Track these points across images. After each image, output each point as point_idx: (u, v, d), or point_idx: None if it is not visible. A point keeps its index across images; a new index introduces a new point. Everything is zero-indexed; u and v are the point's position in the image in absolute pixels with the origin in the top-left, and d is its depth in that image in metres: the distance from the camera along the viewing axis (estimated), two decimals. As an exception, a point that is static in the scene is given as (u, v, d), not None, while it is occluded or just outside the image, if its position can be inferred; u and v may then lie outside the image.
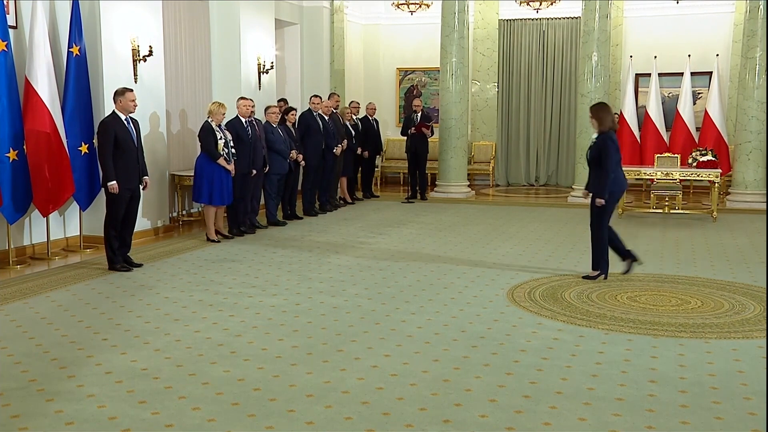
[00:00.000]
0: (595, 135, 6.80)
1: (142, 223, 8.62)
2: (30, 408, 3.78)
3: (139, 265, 7.27)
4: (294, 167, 10.36)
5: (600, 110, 6.71)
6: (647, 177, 11.23)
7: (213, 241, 8.76)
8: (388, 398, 3.94)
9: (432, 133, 12.88)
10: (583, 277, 6.87)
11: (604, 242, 6.83)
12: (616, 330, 5.21)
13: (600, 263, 6.84)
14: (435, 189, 13.53)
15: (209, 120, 8.61)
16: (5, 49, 6.97)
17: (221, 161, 8.56)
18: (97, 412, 3.74)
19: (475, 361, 4.54)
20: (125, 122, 7.08)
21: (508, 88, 15.69)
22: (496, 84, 15.73)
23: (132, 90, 7.17)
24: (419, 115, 12.79)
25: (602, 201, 6.65)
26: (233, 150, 8.74)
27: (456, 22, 12.88)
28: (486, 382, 4.18)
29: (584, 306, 5.87)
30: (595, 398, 3.96)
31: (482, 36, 15.66)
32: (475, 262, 7.60)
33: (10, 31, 7.19)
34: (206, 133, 8.57)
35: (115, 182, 6.94)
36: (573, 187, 12.98)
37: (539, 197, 14.05)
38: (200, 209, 10.80)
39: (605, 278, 6.83)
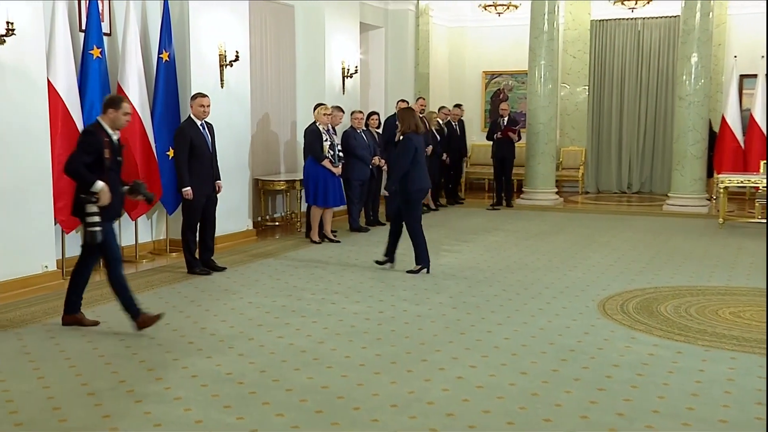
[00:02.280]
0: (400, 136, 7.52)
1: (225, 227, 8.84)
2: (120, 408, 3.94)
3: (222, 269, 7.47)
4: (376, 173, 10.44)
5: (404, 113, 7.56)
6: (752, 185, 10.76)
7: (315, 242, 9.08)
8: (474, 411, 3.91)
9: (519, 138, 12.73)
10: (408, 272, 7.37)
11: (421, 237, 7.38)
12: (717, 347, 5.01)
13: (421, 257, 7.39)
14: (521, 196, 13.37)
15: (316, 123, 9.00)
16: (100, 56, 7.31)
17: (326, 163, 8.91)
18: (184, 415, 3.87)
19: (564, 375, 4.45)
20: (200, 127, 7.29)
21: (600, 91, 15.36)
22: (586, 87, 15.43)
23: (204, 95, 7.34)
24: (506, 119, 12.66)
25: (386, 193, 7.64)
26: (340, 153, 9.08)
27: (546, 24, 12.70)
28: (576, 398, 4.09)
29: (682, 321, 5.67)
30: (696, 419, 3.81)
31: (573, 37, 15.39)
32: (564, 272, 7.46)
33: (104, 38, 7.53)
34: (312, 136, 8.99)
35: (189, 188, 7.16)
36: (669, 195, 12.57)
37: (632, 205, 13.67)
38: (283, 214, 11.06)
39: (427, 271, 7.37)
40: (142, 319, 5.28)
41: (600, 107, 15.39)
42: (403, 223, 7.50)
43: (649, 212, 12.40)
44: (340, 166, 9.13)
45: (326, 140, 8.99)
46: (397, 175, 7.38)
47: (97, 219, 5.15)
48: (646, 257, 8.28)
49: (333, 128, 9.40)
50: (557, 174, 13.98)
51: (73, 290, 5.49)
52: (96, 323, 5.48)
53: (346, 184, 9.78)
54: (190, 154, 7.17)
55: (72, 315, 5.48)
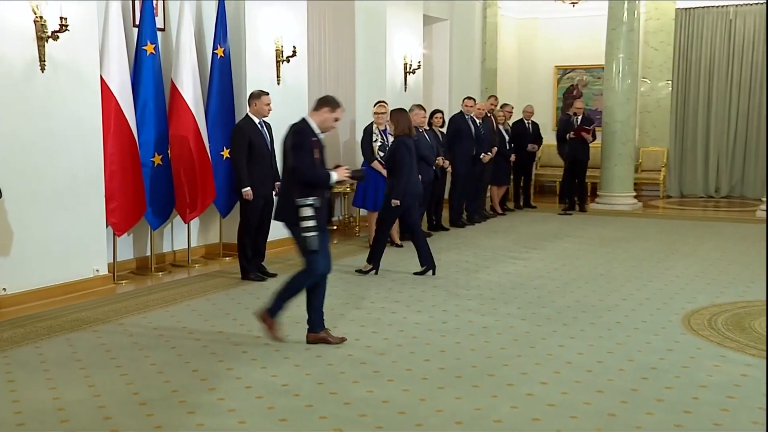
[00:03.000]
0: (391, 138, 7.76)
1: (279, 231, 8.91)
2: (172, 419, 4.02)
3: (274, 275, 7.57)
4: (440, 174, 10.42)
5: (397, 115, 7.73)
6: None
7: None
8: (546, 431, 3.86)
9: (593, 138, 12.55)
10: (357, 271, 7.70)
11: (383, 243, 7.77)
12: (818, 368, 4.82)
13: (374, 259, 7.72)
14: (596, 200, 13.19)
15: (372, 122, 9.19)
16: (153, 51, 7.49)
17: (375, 165, 9.04)
18: (238, 427, 3.92)
19: (645, 395, 4.36)
20: (259, 125, 7.40)
21: (685, 86, 15.00)
22: (669, 82, 15.10)
23: (268, 93, 7.49)
24: (579, 117, 12.51)
25: (397, 202, 7.57)
26: None
27: (625, 13, 12.49)
28: (659, 420, 4.00)
29: (778, 338, 5.48)
30: (794, 447, 3.68)
31: (655, 28, 15.08)
32: (644, 283, 7.31)
33: (158, 33, 7.71)
34: (364, 135, 9.23)
35: (249, 188, 7.27)
36: (763, 199, 12.18)
37: (720, 211, 13.32)
38: (340, 217, 11.15)
39: (376, 273, 7.67)
40: (273, 324, 5.30)
41: (685, 104, 15.02)
42: (413, 226, 7.82)
43: (739, 219, 12.04)
44: None
45: (376, 140, 9.12)
46: (403, 180, 7.56)
47: (312, 223, 5.08)
48: (737, 268, 8.04)
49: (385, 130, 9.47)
50: (636, 176, 13.72)
51: (312, 305, 5.37)
52: (342, 340, 5.36)
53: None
54: (248, 153, 7.28)
55: (315, 333, 5.34)
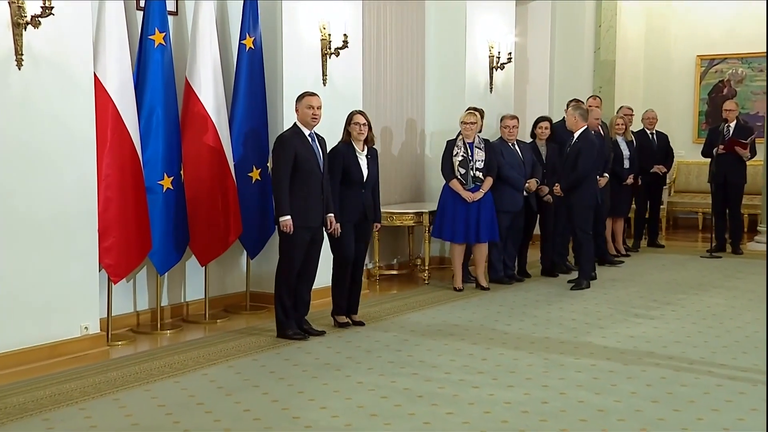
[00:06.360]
0: None
1: (324, 278, 8.96)
2: None
3: (321, 333, 7.62)
4: (536, 204, 10.34)
5: None
6: None
7: (457, 290, 9.57)
8: None
9: (753, 154, 12.33)
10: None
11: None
12: None
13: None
14: (755, 238, 13.03)
15: (459, 134, 9.51)
16: (163, 42, 7.62)
17: (454, 184, 9.35)
18: None
19: None
20: (308, 138, 7.46)
21: None
22: None
23: (314, 94, 7.51)
24: (732, 126, 12.32)
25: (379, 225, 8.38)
26: (479, 173, 9.37)
27: (798, -18, 12.31)
28: None
29: None
30: None
31: (841, 0, 14.82)
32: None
33: (169, 18, 7.85)
34: (445, 149, 9.58)
35: (289, 218, 7.29)
36: None
37: None
38: (405, 259, 11.17)
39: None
40: None
41: None
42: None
43: None
44: (479, 192, 9.29)
45: (456, 154, 9.36)
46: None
47: None
48: None
49: (487, 140, 9.66)
50: (815, 206, 13.42)
51: None
52: None
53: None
54: (293, 173, 7.32)
55: None
